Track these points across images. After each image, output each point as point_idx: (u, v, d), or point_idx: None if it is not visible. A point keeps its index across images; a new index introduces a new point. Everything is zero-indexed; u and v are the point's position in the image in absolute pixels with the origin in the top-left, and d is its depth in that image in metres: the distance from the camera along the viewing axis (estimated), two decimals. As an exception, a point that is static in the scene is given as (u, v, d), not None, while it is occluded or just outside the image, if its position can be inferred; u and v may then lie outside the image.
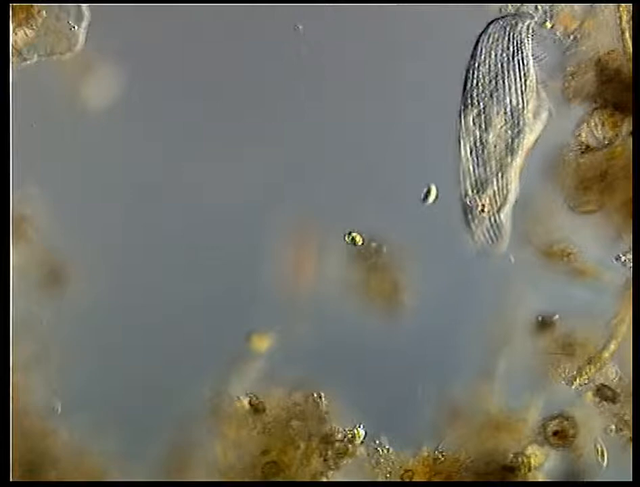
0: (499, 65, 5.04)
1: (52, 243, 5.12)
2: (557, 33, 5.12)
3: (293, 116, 5.15)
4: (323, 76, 5.15)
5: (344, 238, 5.13)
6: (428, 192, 5.09)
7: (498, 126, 5.07)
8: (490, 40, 5.03)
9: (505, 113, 5.08)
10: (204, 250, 5.14)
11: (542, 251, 5.14)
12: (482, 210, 4.98)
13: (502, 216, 5.11)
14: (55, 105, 5.10)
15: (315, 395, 5.13)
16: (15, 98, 5.05)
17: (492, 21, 5.06)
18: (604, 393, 5.11)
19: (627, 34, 5.03)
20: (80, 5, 5.09)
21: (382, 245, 5.13)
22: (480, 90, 5.06)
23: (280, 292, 5.13)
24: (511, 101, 5.07)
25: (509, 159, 5.09)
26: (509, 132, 5.07)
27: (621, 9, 5.07)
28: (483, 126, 5.09)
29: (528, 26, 5.02)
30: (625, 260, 5.07)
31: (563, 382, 5.13)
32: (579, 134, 5.13)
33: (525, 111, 5.05)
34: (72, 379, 5.13)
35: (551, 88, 5.10)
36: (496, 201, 5.10)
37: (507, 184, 5.08)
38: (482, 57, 5.03)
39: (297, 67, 5.14)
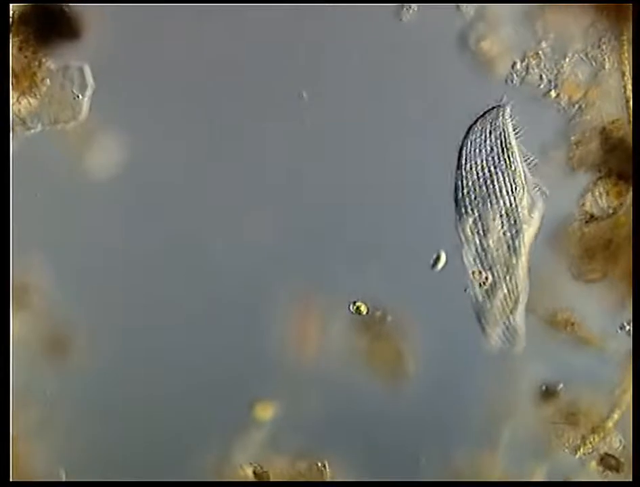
0: (487, 170, 5.06)
1: (55, 312, 5.11)
2: (562, 102, 5.12)
3: (297, 179, 5.15)
4: (323, 141, 5.15)
5: (349, 307, 5.12)
6: (438, 258, 5.09)
7: (497, 230, 5.08)
8: (473, 145, 5.05)
9: (501, 216, 5.09)
10: (208, 318, 5.13)
11: (547, 320, 5.14)
12: (484, 283, 4.99)
13: (516, 317, 5.12)
14: (59, 174, 5.08)
15: (319, 464, 5.13)
16: (19, 167, 5.04)
17: (472, 125, 5.07)
18: (608, 462, 5.12)
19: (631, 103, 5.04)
20: (84, 75, 5.07)
21: (386, 314, 5.13)
22: (472, 198, 5.08)
23: (284, 360, 5.12)
24: (504, 203, 5.09)
25: (514, 260, 5.10)
26: (508, 233, 5.09)
27: (625, 78, 5.07)
28: (482, 233, 5.10)
29: (508, 115, 5.03)
30: (629, 329, 5.07)
31: (567, 451, 5.13)
32: (583, 204, 5.13)
33: (520, 209, 5.06)
34: (75, 446, 5.12)
35: (552, 160, 5.11)
36: (507, 303, 5.12)
37: (516, 285, 5.10)
38: (468, 165, 5.05)
39: (299, 133, 5.15)
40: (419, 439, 5.12)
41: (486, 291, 5.09)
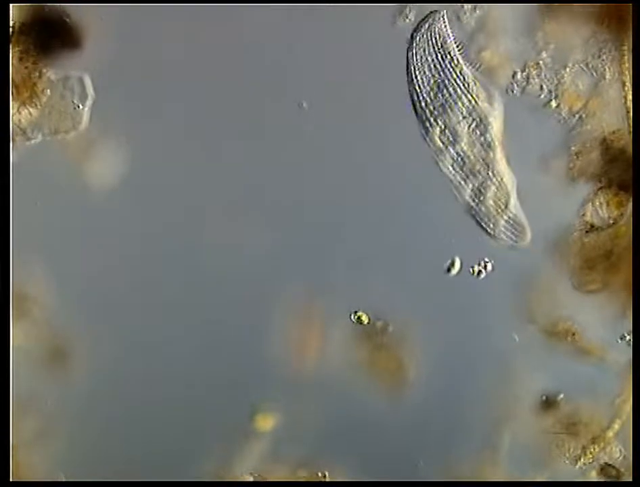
0: (436, 76, 5.05)
1: (55, 321, 5.11)
2: (562, 112, 5.12)
3: (300, 189, 5.15)
4: (323, 146, 5.15)
5: (350, 317, 5.13)
6: (452, 264, 5.10)
7: (465, 132, 5.07)
8: (416, 54, 5.03)
9: (464, 117, 5.08)
10: (208, 327, 5.13)
11: (547, 330, 5.15)
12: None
13: (512, 209, 5.10)
14: (59, 183, 5.08)
15: (320, 473, 5.13)
16: (19, 176, 5.04)
17: (411, 39, 5.06)
18: (608, 472, 5.12)
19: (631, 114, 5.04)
20: (84, 85, 5.07)
21: (388, 324, 5.13)
22: (432, 109, 5.07)
23: (285, 370, 5.12)
24: (463, 103, 5.07)
25: (491, 155, 5.09)
26: (477, 131, 5.08)
27: (626, 88, 5.07)
28: (451, 139, 5.09)
29: (441, 20, 5.02)
30: (629, 340, 5.07)
31: (567, 461, 5.13)
32: (584, 214, 5.13)
33: (480, 104, 5.06)
34: (75, 454, 5.12)
35: (553, 170, 5.12)
36: (500, 198, 5.10)
37: (501, 179, 5.08)
38: (418, 77, 5.04)
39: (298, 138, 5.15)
40: (420, 448, 5.13)
41: (476, 193, 5.08)
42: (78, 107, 5.08)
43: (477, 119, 5.06)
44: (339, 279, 5.11)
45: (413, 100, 5.08)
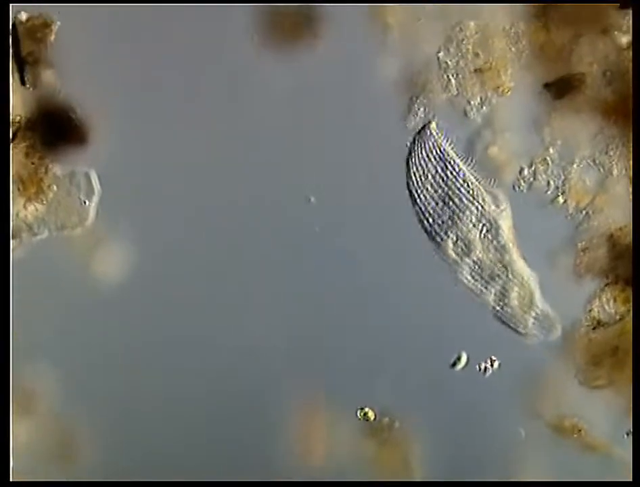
0: (439, 188, 5.06)
1: (61, 419, 5.11)
2: (569, 208, 5.12)
3: (303, 276, 5.15)
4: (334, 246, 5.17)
5: (356, 414, 5.12)
6: (458, 359, 5.11)
7: (477, 239, 5.08)
8: (418, 175, 5.04)
9: (474, 225, 5.09)
10: (211, 422, 5.13)
11: (553, 426, 5.15)
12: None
13: (539, 304, 5.11)
14: (65, 280, 5.08)
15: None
16: (25, 272, 5.03)
17: (407, 158, 5.07)
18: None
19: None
20: (91, 180, 5.07)
21: (394, 420, 5.13)
22: (441, 223, 5.08)
23: (290, 467, 5.12)
24: (471, 211, 5.08)
25: (507, 257, 5.10)
26: (489, 236, 5.08)
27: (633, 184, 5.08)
28: (465, 249, 5.10)
29: (431, 136, 5.02)
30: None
31: None
32: (590, 310, 5.13)
33: (487, 208, 5.06)
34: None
35: (560, 266, 5.12)
36: (524, 298, 5.11)
37: (521, 278, 5.09)
38: (422, 195, 5.04)
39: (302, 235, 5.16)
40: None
41: (500, 297, 5.09)
42: (85, 202, 5.08)
43: (488, 224, 5.07)
44: (346, 375, 5.11)
45: (420, 219, 5.08)
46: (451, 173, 5.06)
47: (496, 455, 5.14)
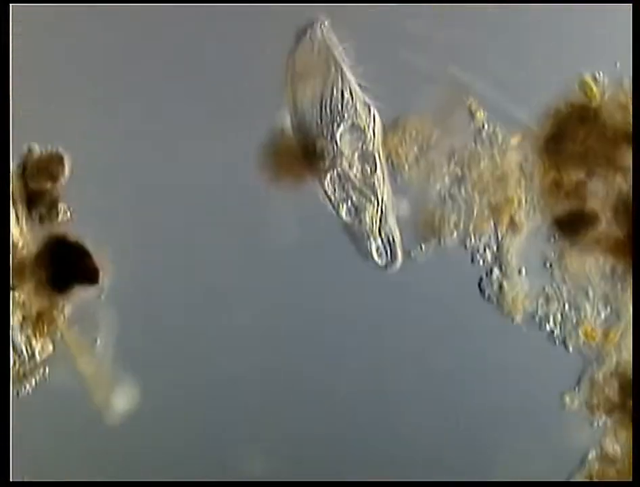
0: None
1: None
2: (581, 344, 5.14)
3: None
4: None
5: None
6: None
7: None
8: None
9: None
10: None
11: None
12: None
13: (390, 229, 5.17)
14: (73, 413, 5.09)
15: None
16: (35, 406, 5.06)
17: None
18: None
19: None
20: (100, 316, 5.09)
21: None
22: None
23: None
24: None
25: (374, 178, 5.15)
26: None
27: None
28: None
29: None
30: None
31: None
32: (602, 446, 5.16)
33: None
34: None
35: (571, 403, 5.13)
36: (377, 218, 5.17)
37: (380, 199, 5.15)
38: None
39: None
40: None
41: (354, 209, 5.15)
42: (96, 340, 5.09)
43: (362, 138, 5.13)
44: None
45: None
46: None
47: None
